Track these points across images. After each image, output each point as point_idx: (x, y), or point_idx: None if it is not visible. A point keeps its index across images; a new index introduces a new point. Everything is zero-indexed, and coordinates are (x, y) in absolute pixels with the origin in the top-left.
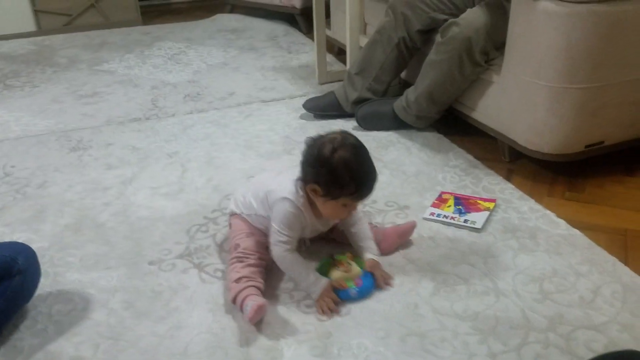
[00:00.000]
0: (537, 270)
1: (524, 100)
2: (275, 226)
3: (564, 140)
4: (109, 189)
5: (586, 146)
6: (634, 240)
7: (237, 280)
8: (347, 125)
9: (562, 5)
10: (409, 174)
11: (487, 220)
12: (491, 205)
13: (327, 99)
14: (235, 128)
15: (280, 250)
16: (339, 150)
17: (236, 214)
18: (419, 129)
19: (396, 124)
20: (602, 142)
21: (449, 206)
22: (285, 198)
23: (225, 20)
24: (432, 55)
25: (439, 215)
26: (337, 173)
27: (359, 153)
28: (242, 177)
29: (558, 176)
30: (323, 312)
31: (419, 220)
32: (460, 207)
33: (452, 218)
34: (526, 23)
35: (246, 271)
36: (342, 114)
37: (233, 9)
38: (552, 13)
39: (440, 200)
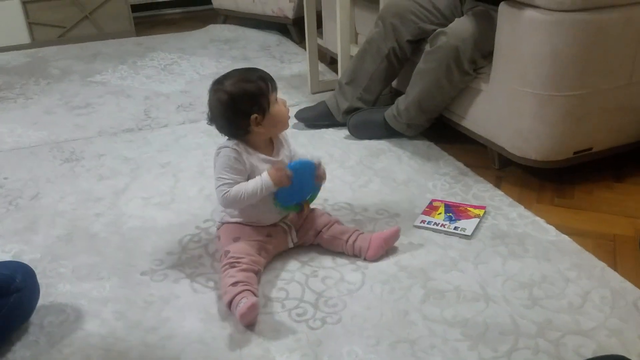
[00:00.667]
0: (526, 276)
1: (511, 107)
2: (215, 176)
3: (552, 147)
4: (101, 200)
5: (575, 152)
6: (623, 246)
7: (234, 284)
8: (339, 134)
9: (546, 13)
10: (399, 182)
11: (477, 227)
12: (481, 212)
13: (318, 109)
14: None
15: (223, 193)
16: (225, 86)
17: (223, 223)
18: (410, 137)
19: (387, 132)
20: (591, 149)
21: (440, 213)
22: (217, 149)
23: (218, 30)
24: (421, 64)
25: (429, 222)
26: (247, 93)
27: (232, 72)
28: None
29: (547, 183)
30: (284, 180)
31: (410, 228)
32: (450, 214)
33: (443, 225)
34: (512, 31)
35: (241, 276)
36: (333, 123)
37: (226, 20)
38: (537, 21)
39: (431, 208)
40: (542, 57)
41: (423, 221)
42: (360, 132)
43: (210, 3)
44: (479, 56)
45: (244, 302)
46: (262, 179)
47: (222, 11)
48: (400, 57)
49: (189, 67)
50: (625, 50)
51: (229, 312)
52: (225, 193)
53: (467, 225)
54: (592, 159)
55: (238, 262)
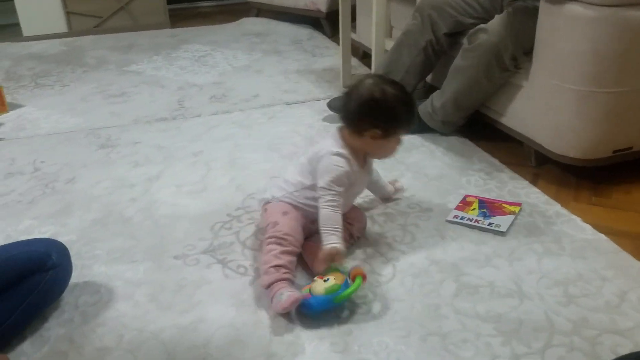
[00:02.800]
0: (561, 274)
1: (550, 103)
2: (322, 184)
3: (591, 145)
4: (135, 186)
5: (614, 151)
6: None
7: (277, 267)
8: None
9: (588, 9)
10: (431, 177)
11: (512, 224)
12: (516, 209)
13: None
14: (258, 129)
15: (330, 203)
16: (387, 88)
17: (271, 201)
18: (444, 134)
19: (421, 127)
20: (631, 148)
21: (474, 209)
22: (331, 151)
23: (251, 24)
24: (459, 61)
25: (462, 218)
26: (395, 111)
27: (401, 87)
28: (264, 178)
29: (584, 181)
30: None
31: (442, 223)
32: (484, 210)
33: (477, 221)
34: (553, 27)
35: (286, 260)
36: None
37: (258, 13)
38: (578, 17)
39: (465, 204)
40: (583, 53)
41: (456, 216)
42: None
43: None
44: (520, 53)
45: (286, 296)
46: (333, 244)
47: (255, 4)
48: (437, 51)
49: (222, 59)
50: None
51: (260, 297)
52: (332, 205)
53: (502, 221)
54: (631, 159)
55: (285, 240)
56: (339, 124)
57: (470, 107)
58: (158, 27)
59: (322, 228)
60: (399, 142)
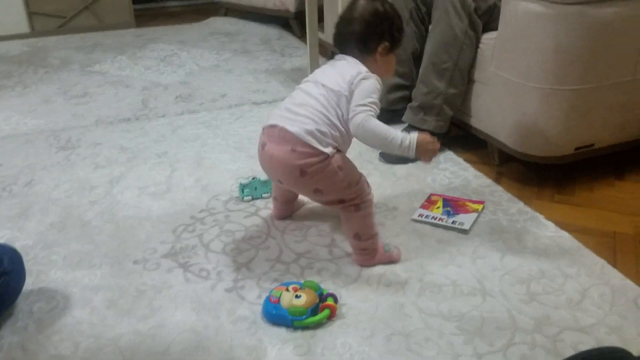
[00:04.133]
0: (524, 271)
1: (513, 102)
2: (370, 99)
3: (553, 143)
4: (95, 188)
5: (576, 149)
6: (623, 243)
7: (377, 234)
8: None
9: (549, 6)
10: (399, 176)
11: (475, 222)
12: (479, 207)
13: None
14: (226, 129)
15: (368, 115)
16: (383, 3)
17: (333, 153)
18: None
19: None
20: (592, 145)
21: (438, 208)
22: (370, 75)
23: (220, 23)
24: (430, 27)
25: (427, 216)
26: (396, 20)
27: (389, 2)
28: (231, 178)
29: (548, 179)
30: (431, 160)
31: (408, 222)
32: (448, 208)
33: (440, 219)
34: (515, 24)
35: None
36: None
37: (227, 13)
38: (540, 14)
39: (429, 202)
40: (545, 50)
41: (421, 215)
42: (388, 154)
43: None
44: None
45: (395, 250)
46: (410, 139)
47: (223, 4)
48: (423, 15)
49: (188, 58)
50: (630, 45)
51: (222, 301)
52: (370, 117)
53: (465, 219)
54: (593, 156)
55: (371, 194)
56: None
57: (451, 73)
58: (123, 26)
59: (384, 134)
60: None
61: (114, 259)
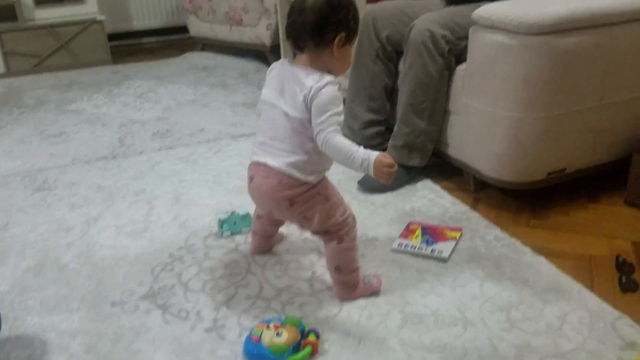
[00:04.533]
0: (504, 298)
1: (485, 130)
2: (328, 113)
3: (526, 169)
4: (72, 229)
5: (548, 174)
6: (599, 266)
7: (359, 269)
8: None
9: (516, 38)
10: (377, 204)
11: (454, 250)
12: (457, 234)
13: None
14: (203, 164)
15: (332, 130)
16: None
17: (319, 181)
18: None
19: (395, 174)
20: (564, 170)
21: (417, 236)
22: (316, 87)
23: (197, 58)
24: (403, 67)
25: (406, 246)
26: (350, 9)
27: None
28: (210, 213)
29: (523, 204)
30: (388, 181)
31: (388, 252)
32: (427, 237)
33: (420, 248)
34: (483, 55)
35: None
36: None
37: (204, 47)
38: (506, 45)
39: (408, 231)
40: (514, 80)
41: (400, 244)
42: (367, 183)
43: (188, 31)
44: (453, 38)
45: (375, 280)
46: (368, 161)
47: (199, 39)
48: (389, 55)
49: (165, 94)
50: (595, 72)
51: (202, 341)
52: (331, 134)
53: (444, 247)
54: (566, 180)
55: (355, 227)
56: (288, 60)
57: (430, 111)
58: (100, 64)
59: (345, 152)
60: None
61: (91, 302)
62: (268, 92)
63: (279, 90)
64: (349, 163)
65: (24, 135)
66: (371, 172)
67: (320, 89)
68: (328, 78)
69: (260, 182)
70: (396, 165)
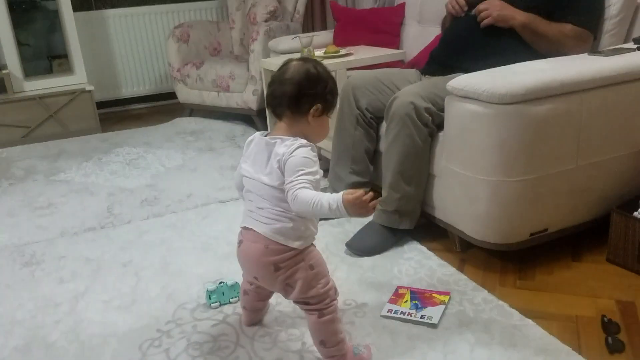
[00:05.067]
0: None
1: (466, 193)
2: (298, 173)
3: (508, 230)
4: (60, 305)
5: (531, 234)
6: (586, 327)
7: (344, 339)
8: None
9: (489, 107)
10: (365, 268)
11: (443, 314)
12: (446, 298)
13: None
14: (192, 230)
15: (300, 192)
16: (315, 64)
17: (306, 247)
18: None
19: (383, 236)
20: (546, 230)
21: (406, 301)
22: (297, 146)
23: (185, 123)
24: (387, 139)
25: (396, 311)
26: (329, 82)
27: (322, 63)
28: (198, 283)
29: (509, 264)
30: (368, 211)
31: (378, 319)
32: (416, 301)
33: (409, 314)
34: (459, 123)
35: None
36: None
37: (192, 113)
38: (481, 114)
39: (397, 296)
40: (489, 146)
41: (390, 310)
42: (357, 245)
43: (176, 97)
44: (434, 110)
45: (365, 351)
46: (337, 202)
47: (187, 105)
48: (369, 123)
49: (154, 160)
50: (569, 136)
51: None
52: (297, 190)
53: (434, 312)
54: (549, 240)
55: (336, 300)
56: (265, 132)
57: (416, 176)
58: (89, 132)
59: (311, 201)
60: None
61: None
62: (247, 167)
63: (258, 164)
64: (318, 212)
65: (12, 208)
66: (345, 212)
67: (292, 152)
68: (301, 141)
69: (247, 246)
70: (363, 192)
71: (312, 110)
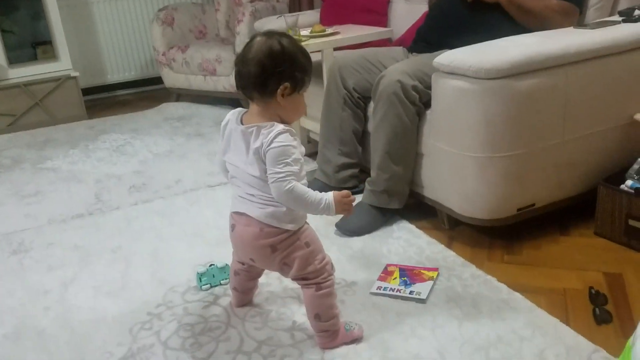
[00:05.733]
0: (482, 338)
1: (453, 171)
2: (280, 165)
3: (495, 206)
4: (49, 292)
5: (518, 209)
6: (574, 300)
7: (339, 314)
8: None
9: (475, 82)
10: (355, 248)
11: (432, 290)
12: (434, 274)
13: (316, 187)
14: (181, 216)
15: (288, 185)
16: (282, 39)
17: (300, 227)
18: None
19: (373, 217)
20: (533, 205)
21: (395, 278)
22: (268, 138)
23: (172, 108)
24: (374, 119)
25: (385, 288)
26: (297, 57)
27: (289, 37)
28: (188, 267)
29: (496, 240)
30: (351, 211)
31: (367, 296)
32: (405, 278)
33: (398, 290)
34: (446, 100)
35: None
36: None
37: (179, 98)
38: (467, 90)
39: (386, 273)
40: (476, 122)
41: (379, 287)
42: (345, 226)
43: (162, 82)
44: (422, 87)
45: (356, 328)
46: (328, 201)
47: (174, 90)
48: (356, 103)
49: (142, 146)
50: (554, 111)
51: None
52: (291, 185)
53: (422, 288)
54: (536, 215)
55: (332, 275)
56: (240, 111)
57: (405, 156)
58: (75, 119)
59: (303, 203)
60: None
61: None
62: (231, 155)
63: (239, 153)
64: (307, 209)
65: (0, 197)
66: (333, 212)
67: (270, 143)
68: (277, 128)
69: (242, 230)
70: (350, 193)
71: (279, 90)
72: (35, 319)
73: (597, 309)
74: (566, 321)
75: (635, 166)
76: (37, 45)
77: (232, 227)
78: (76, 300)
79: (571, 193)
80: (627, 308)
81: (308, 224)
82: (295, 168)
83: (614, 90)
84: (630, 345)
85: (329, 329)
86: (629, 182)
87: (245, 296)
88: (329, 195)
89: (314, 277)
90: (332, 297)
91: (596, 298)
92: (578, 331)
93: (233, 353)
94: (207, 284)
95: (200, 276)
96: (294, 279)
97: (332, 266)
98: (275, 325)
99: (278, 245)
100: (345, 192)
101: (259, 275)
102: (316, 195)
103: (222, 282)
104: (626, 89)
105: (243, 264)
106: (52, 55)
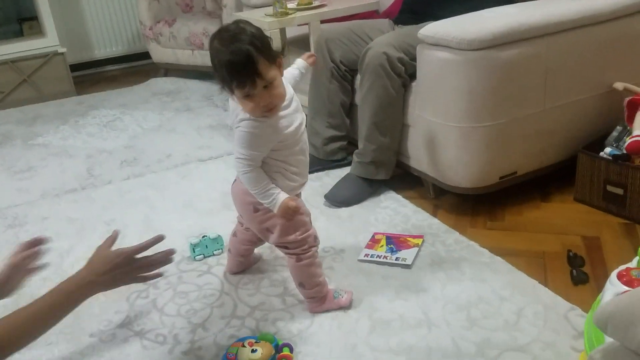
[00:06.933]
0: (463, 298)
1: (437, 141)
2: (237, 153)
3: (478, 175)
4: (46, 264)
5: (500, 177)
6: (552, 262)
7: (324, 282)
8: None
9: (458, 53)
10: (343, 218)
11: (417, 256)
12: (419, 241)
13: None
14: (173, 189)
15: (243, 172)
16: (214, 41)
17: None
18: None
19: (360, 187)
20: (515, 173)
21: (382, 246)
22: (238, 121)
23: (160, 83)
24: (361, 91)
25: (372, 255)
26: (219, 59)
27: (232, 36)
28: (181, 238)
29: (480, 208)
30: (290, 220)
31: (355, 263)
32: (391, 245)
33: (385, 257)
34: (430, 70)
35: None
36: (320, 168)
37: (167, 73)
38: (450, 61)
39: (374, 241)
40: (459, 93)
41: (367, 255)
42: (336, 197)
43: (150, 57)
44: (408, 58)
45: (345, 295)
46: (276, 202)
47: (162, 65)
48: (343, 75)
49: (131, 122)
50: (535, 80)
51: None
52: (246, 173)
53: (408, 255)
54: (517, 182)
55: (315, 247)
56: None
57: (391, 127)
58: (64, 95)
59: (255, 191)
60: (255, 97)
61: (69, 334)
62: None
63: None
64: (258, 197)
65: None
66: (275, 210)
67: (237, 125)
68: (241, 116)
69: (236, 185)
70: (300, 210)
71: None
72: (32, 290)
73: (574, 271)
74: (545, 282)
75: (614, 134)
76: (23, 21)
77: (234, 181)
78: (73, 270)
79: (552, 160)
80: (603, 269)
81: (299, 196)
82: (253, 153)
83: (594, 59)
84: (599, 299)
85: (314, 295)
86: (607, 150)
87: (239, 262)
88: (280, 198)
89: (294, 247)
90: (314, 267)
91: (574, 260)
92: (555, 291)
93: (227, 318)
94: (200, 255)
95: (193, 247)
96: (276, 245)
97: (316, 239)
98: (267, 292)
99: (259, 206)
100: (297, 206)
101: (254, 243)
102: (269, 191)
103: (214, 252)
104: (605, 58)
105: (242, 224)
106: (38, 31)
